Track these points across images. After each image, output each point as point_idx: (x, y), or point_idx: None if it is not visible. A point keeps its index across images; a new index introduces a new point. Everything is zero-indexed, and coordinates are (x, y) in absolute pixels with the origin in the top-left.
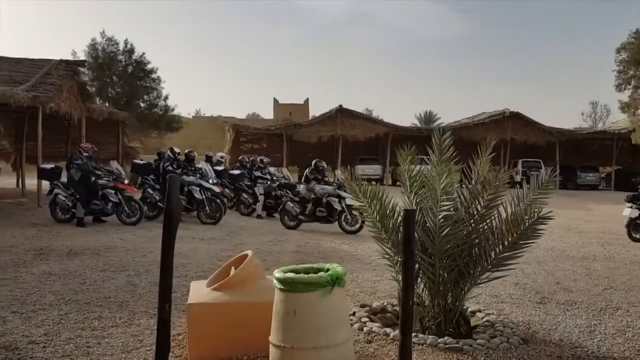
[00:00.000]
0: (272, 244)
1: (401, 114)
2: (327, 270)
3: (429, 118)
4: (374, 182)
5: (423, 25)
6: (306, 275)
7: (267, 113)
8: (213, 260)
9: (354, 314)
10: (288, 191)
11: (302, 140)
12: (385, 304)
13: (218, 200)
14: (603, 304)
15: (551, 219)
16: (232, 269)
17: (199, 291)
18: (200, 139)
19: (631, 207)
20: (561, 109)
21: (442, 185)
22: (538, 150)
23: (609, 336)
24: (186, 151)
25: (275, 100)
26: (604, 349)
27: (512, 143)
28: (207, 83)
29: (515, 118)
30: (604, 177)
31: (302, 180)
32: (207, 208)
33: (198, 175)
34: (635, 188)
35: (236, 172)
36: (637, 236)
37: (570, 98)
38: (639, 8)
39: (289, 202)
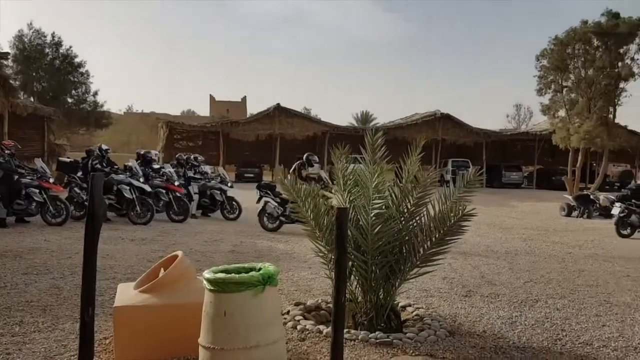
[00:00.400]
0: (207, 244)
1: (339, 113)
2: (259, 269)
3: (365, 118)
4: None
5: (360, 25)
6: (237, 275)
7: (204, 110)
8: (143, 262)
9: (288, 312)
10: (269, 192)
11: (239, 139)
12: (320, 301)
13: (149, 201)
14: (524, 296)
15: (474, 215)
16: (162, 270)
17: (126, 294)
18: (132, 136)
19: (620, 207)
20: (488, 111)
21: (374, 184)
22: (466, 150)
23: (528, 327)
24: (143, 152)
25: (212, 97)
26: (524, 339)
27: (443, 143)
28: (140, 79)
29: (446, 119)
30: (527, 176)
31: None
32: (138, 208)
33: (128, 174)
34: (555, 186)
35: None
36: (625, 232)
37: (496, 100)
38: (561, 13)
39: (270, 203)
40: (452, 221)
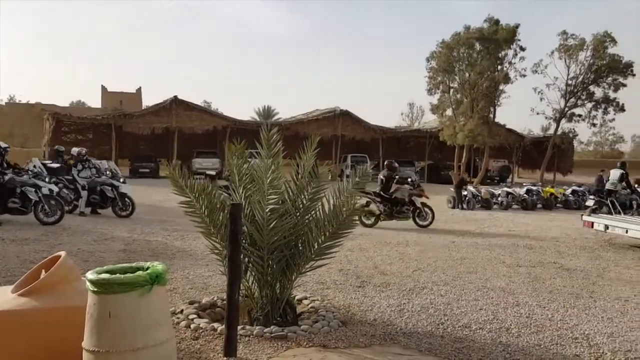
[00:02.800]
0: (96, 243)
1: (242, 107)
2: (147, 269)
3: (268, 112)
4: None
5: (263, 20)
6: (122, 276)
7: (95, 102)
8: (25, 264)
9: (181, 311)
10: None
11: (133, 132)
12: (216, 298)
13: (58, 199)
14: (412, 284)
15: (363, 211)
16: (43, 272)
17: (3, 297)
18: (15, 128)
19: (593, 199)
20: (385, 108)
21: (269, 180)
22: (364, 146)
23: (415, 313)
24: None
25: (104, 88)
26: (410, 325)
27: (342, 139)
28: (24, 67)
29: (345, 116)
30: (419, 171)
31: (385, 182)
32: (47, 206)
33: (31, 174)
34: (444, 180)
35: (55, 165)
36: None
37: (392, 98)
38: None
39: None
40: (345, 215)
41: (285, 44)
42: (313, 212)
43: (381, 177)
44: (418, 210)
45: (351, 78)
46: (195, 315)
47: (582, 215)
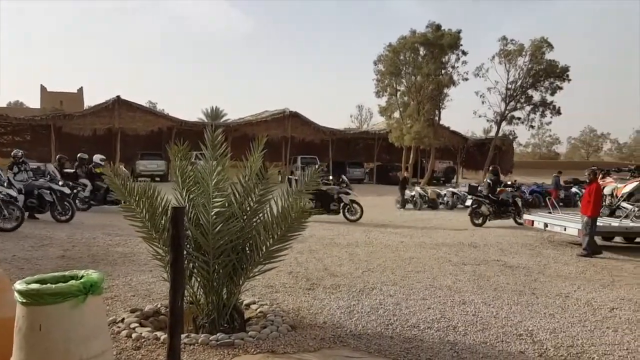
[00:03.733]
0: (33, 249)
1: (190, 108)
2: (81, 277)
3: (216, 113)
4: (157, 179)
5: (212, 19)
6: (53, 286)
7: (34, 102)
8: None
9: (122, 320)
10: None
11: (73, 133)
12: (159, 306)
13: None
14: (361, 285)
15: (312, 211)
16: None
17: None
18: None
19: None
20: (334, 111)
21: (214, 182)
22: (314, 148)
23: (364, 314)
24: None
25: (43, 88)
26: (360, 327)
27: (292, 140)
28: None
29: (295, 117)
30: (368, 172)
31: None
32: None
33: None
34: (392, 181)
35: None
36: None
37: (341, 101)
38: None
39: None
40: (294, 217)
41: (234, 44)
42: (261, 214)
43: (488, 181)
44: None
45: (301, 80)
46: (137, 324)
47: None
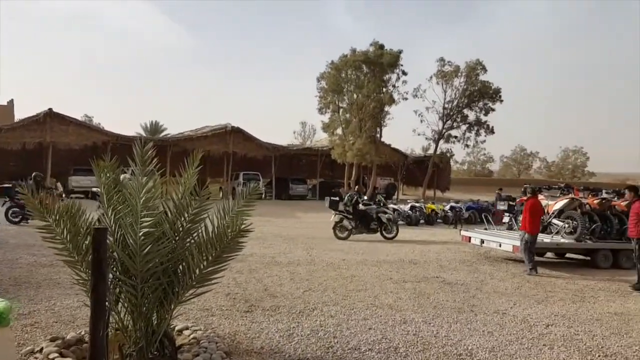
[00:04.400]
0: None
1: (126, 122)
2: None
3: (155, 128)
4: (90, 195)
5: (151, 34)
6: None
7: None
8: None
9: (41, 350)
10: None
11: (1, 147)
12: (83, 333)
13: None
14: (302, 306)
15: (251, 231)
16: None
17: None
18: None
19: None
20: (278, 126)
21: (142, 199)
22: (257, 164)
23: (304, 337)
24: None
25: None
26: (299, 351)
27: (234, 156)
28: None
29: (237, 133)
30: (311, 188)
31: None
32: None
33: None
34: (336, 197)
35: None
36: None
37: (285, 117)
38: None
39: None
40: (230, 237)
41: (177, 60)
42: (195, 234)
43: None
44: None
45: (245, 96)
46: (57, 354)
47: (460, 230)
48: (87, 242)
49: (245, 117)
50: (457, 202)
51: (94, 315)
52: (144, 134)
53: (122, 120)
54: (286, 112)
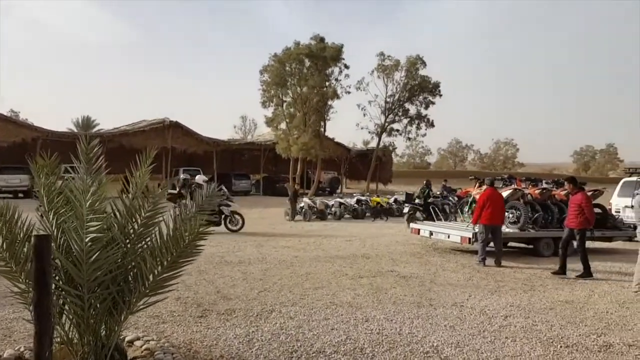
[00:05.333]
0: None
1: (57, 118)
2: None
3: (87, 123)
4: (21, 195)
5: (82, 28)
6: None
7: None
8: None
9: None
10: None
11: None
12: (23, 349)
13: None
14: (259, 308)
15: (211, 233)
16: None
17: None
18: None
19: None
20: (217, 121)
21: (89, 202)
22: (197, 159)
23: (265, 342)
24: None
25: None
26: (262, 357)
27: (173, 152)
28: None
29: (175, 127)
30: (254, 184)
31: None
32: None
33: None
34: (279, 192)
35: None
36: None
37: (224, 111)
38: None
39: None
40: (187, 241)
41: (108, 52)
42: (148, 238)
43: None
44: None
45: (181, 90)
46: None
47: (409, 222)
48: (25, 249)
49: (183, 113)
50: (400, 194)
51: (38, 333)
52: (75, 130)
53: (51, 115)
54: (226, 106)
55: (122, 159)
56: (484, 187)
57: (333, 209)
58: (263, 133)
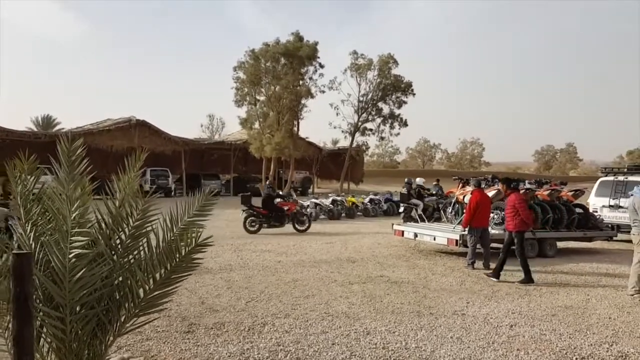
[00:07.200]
0: None
1: (16, 117)
2: None
3: (47, 122)
4: None
5: (34, 22)
6: None
7: None
8: None
9: None
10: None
11: None
12: None
13: None
14: (250, 321)
15: (210, 245)
16: None
17: None
18: None
19: (243, 210)
20: (183, 120)
21: (74, 213)
22: (165, 159)
23: None
24: None
25: None
26: None
27: (140, 151)
28: None
29: (142, 126)
30: (224, 184)
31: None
32: None
33: None
34: (253, 193)
35: None
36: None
37: (190, 110)
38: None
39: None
40: (184, 253)
41: (65, 48)
42: (136, 251)
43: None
44: None
45: (146, 88)
46: None
47: (392, 224)
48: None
49: (145, 111)
50: (375, 194)
51: None
52: (35, 129)
53: (10, 115)
54: (192, 106)
55: (88, 161)
56: (468, 187)
57: (309, 209)
58: (232, 132)
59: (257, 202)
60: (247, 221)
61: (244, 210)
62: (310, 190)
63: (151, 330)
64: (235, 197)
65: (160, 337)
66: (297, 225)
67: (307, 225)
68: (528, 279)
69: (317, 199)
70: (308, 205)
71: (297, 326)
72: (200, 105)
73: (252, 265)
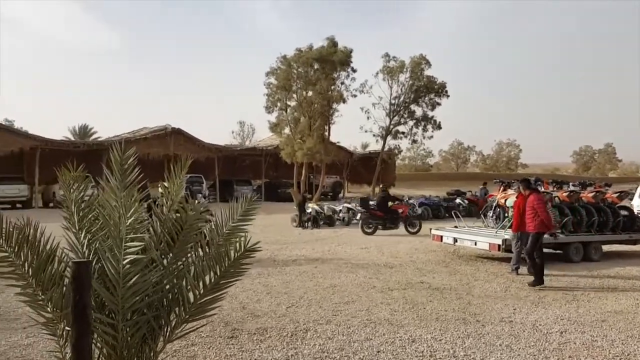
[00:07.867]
0: None
1: (53, 126)
2: None
3: (84, 132)
4: (19, 205)
5: (73, 34)
6: None
7: None
8: None
9: None
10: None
11: None
12: None
13: None
14: (292, 327)
15: (258, 250)
16: None
17: None
18: None
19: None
20: (215, 127)
21: (129, 220)
22: (199, 166)
23: None
24: None
25: None
26: None
27: (176, 159)
28: None
29: (177, 134)
30: (256, 189)
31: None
32: None
33: None
34: (281, 198)
35: None
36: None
37: (221, 117)
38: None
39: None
40: (232, 258)
41: (104, 59)
42: (184, 258)
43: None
44: None
45: (179, 96)
46: None
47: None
48: (52, 271)
49: (180, 118)
50: (409, 198)
51: None
52: (73, 138)
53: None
54: (222, 113)
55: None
56: (510, 190)
57: (341, 214)
58: (263, 138)
59: (282, 206)
60: (364, 224)
61: (361, 213)
62: (340, 195)
63: (195, 335)
64: (267, 203)
65: (205, 342)
66: (409, 228)
67: (417, 227)
68: (539, 281)
69: (349, 203)
70: (340, 210)
71: (339, 333)
72: (229, 113)
73: (289, 270)
